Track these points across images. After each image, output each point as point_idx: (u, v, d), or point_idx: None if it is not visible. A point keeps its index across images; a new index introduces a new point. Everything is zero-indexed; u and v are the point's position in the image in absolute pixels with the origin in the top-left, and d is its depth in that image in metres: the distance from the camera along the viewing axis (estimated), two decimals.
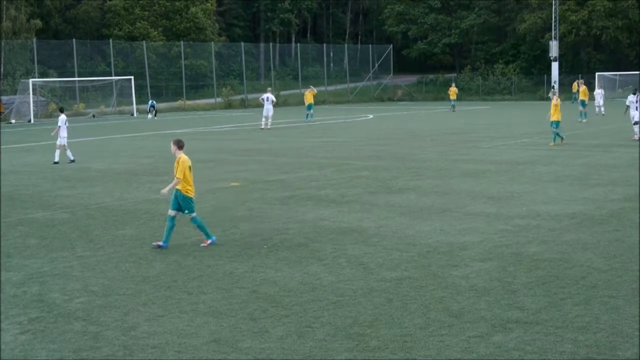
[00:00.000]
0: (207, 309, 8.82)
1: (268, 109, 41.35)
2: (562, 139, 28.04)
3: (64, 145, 25.55)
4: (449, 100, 59.55)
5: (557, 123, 27.94)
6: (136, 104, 63.01)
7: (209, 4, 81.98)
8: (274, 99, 43.23)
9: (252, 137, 36.26)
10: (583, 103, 42.10)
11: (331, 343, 7.59)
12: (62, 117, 25.90)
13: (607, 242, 11.81)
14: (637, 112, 28.58)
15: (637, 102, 28.72)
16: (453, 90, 59.99)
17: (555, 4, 78.53)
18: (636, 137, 28.22)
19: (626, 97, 43.58)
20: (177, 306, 8.97)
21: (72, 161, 25.25)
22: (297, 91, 78.64)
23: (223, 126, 45.82)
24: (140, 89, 66.38)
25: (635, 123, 28.70)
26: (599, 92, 47.28)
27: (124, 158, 26.98)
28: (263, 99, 42.49)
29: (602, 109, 46.38)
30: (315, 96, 45.75)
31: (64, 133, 25.60)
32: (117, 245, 12.43)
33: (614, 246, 11.51)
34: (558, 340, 7.49)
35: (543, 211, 14.60)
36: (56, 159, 25.21)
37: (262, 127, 41.18)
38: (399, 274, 10.18)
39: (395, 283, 9.71)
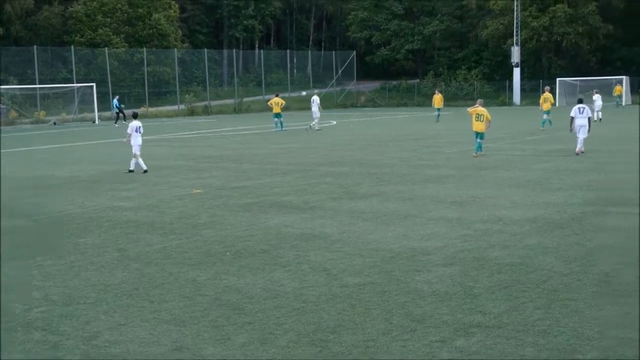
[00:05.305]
0: (169, 317, 8.76)
1: (314, 111, 44.76)
2: (481, 151, 26.43)
3: (137, 153, 23.87)
4: (435, 108, 52.58)
5: (482, 134, 26.53)
6: (98, 111, 62.61)
7: (172, 11, 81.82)
8: (318, 101, 46.00)
9: (216, 144, 36.16)
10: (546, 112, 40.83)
11: (294, 349, 7.58)
12: (132, 124, 24.25)
13: (568, 245, 11.92)
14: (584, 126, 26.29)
15: (581, 111, 26.20)
16: (438, 98, 53.01)
17: (516, 10, 79.37)
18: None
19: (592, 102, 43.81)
20: (138, 314, 8.90)
21: (145, 171, 23.63)
22: (261, 97, 78.65)
23: (186, 133, 45.63)
24: (102, 96, 65.95)
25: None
26: (597, 97, 47.44)
27: (86, 165, 26.76)
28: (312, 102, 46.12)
29: (599, 113, 46.58)
30: (278, 104, 45.32)
31: (135, 141, 23.90)
32: (78, 254, 12.31)
33: (574, 250, 11.62)
34: (519, 344, 7.54)
35: (505, 216, 14.70)
36: (131, 167, 23.88)
37: (317, 128, 44.12)
38: (362, 279, 10.19)
39: (358, 289, 9.72)
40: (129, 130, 24.32)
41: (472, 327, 8.11)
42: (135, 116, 25.32)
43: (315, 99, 46.08)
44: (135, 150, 23.93)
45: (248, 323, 8.45)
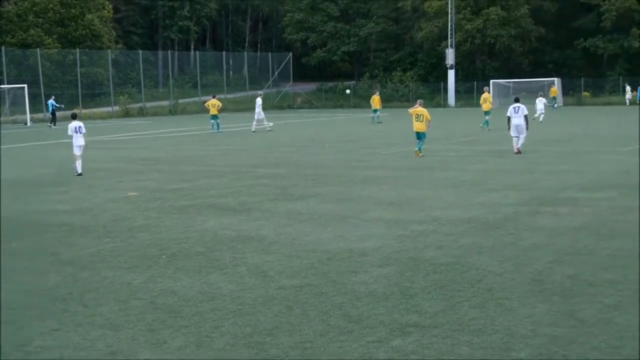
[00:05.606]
0: (104, 322, 8.64)
1: (258, 112, 45.14)
2: (420, 150, 26.80)
3: (77, 154, 23.39)
4: (372, 110, 52.22)
5: (423, 134, 26.88)
6: (30, 112, 61.50)
7: (106, 11, 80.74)
8: (260, 102, 46.32)
9: (152, 146, 35.83)
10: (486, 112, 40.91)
11: (230, 352, 7.53)
12: (71, 125, 23.71)
13: (502, 245, 12.08)
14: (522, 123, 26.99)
15: (516, 111, 26.90)
16: (377, 99, 52.11)
17: (451, 13, 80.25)
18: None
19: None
20: (72, 319, 8.75)
21: (79, 174, 23.15)
22: (197, 99, 78.21)
23: (121, 135, 45.12)
24: (34, 97, 64.84)
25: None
26: (539, 100, 47.73)
27: (18, 168, 26.26)
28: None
29: (542, 116, 46.39)
30: (215, 106, 45.16)
31: (76, 142, 23.38)
32: (10, 258, 12.06)
33: (508, 249, 11.78)
34: (455, 343, 7.61)
35: (440, 216, 14.84)
36: (78, 171, 23.33)
37: (253, 129, 44.46)
38: (298, 281, 10.18)
39: (295, 290, 9.71)
40: (69, 132, 23.82)
41: (408, 326, 8.15)
42: (74, 117, 24.62)
43: (258, 100, 46.20)
44: (75, 151, 23.49)
45: (184, 326, 8.37)
